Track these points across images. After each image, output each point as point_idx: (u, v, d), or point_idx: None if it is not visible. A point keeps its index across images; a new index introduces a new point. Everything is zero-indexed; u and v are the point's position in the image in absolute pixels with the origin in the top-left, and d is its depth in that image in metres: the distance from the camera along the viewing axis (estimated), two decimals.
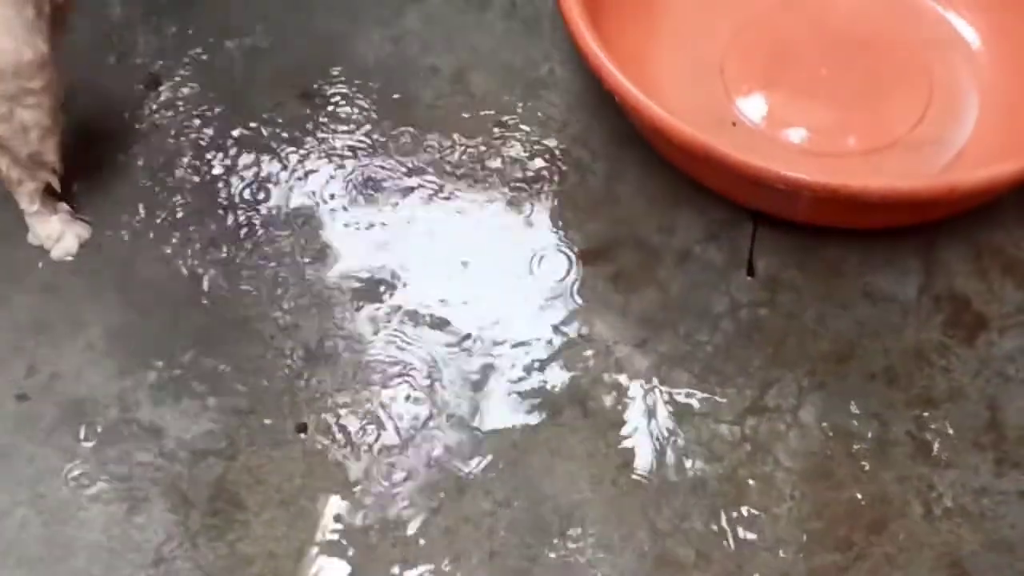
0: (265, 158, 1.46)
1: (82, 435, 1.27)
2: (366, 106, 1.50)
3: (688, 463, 1.24)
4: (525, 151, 1.46)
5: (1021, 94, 1.44)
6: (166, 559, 1.20)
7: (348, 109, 1.49)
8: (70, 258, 1.38)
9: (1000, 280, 1.35)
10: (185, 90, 1.51)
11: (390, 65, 1.53)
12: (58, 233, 1.38)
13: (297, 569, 1.19)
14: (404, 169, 1.45)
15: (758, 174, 1.22)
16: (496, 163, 1.45)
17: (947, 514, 1.21)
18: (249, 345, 1.32)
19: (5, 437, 1.27)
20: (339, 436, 1.26)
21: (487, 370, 1.30)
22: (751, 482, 1.23)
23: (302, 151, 1.46)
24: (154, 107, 1.50)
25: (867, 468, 1.23)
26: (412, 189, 1.43)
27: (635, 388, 1.29)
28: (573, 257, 1.38)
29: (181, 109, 1.50)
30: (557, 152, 1.46)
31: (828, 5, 1.56)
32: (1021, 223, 1.39)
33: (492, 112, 1.49)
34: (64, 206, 1.39)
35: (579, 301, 1.35)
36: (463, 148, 1.46)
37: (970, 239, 1.38)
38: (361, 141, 1.46)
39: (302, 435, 1.26)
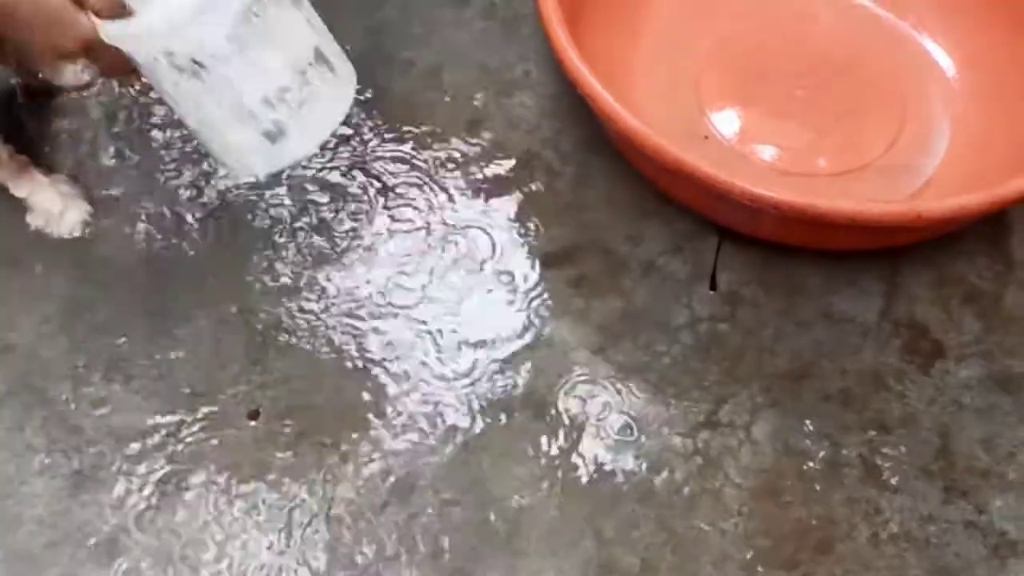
0: None
1: (32, 409, 1.26)
2: None
3: (638, 473, 1.24)
4: (495, 151, 1.45)
5: (991, 124, 1.45)
6: (109, 539, 1.19)
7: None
8: (77, 234, 1.36)
9: (960, 309, 1.36)
10: None
11: (365, 56, 1.53)
12: (60, 208, 1.36)
13: (241, 556, 1.18)
14: (372, 163, 1.44)
15: (724, 189, 1.22)
16: (465, 161, 1.45)
17: (893, 539, 1.21)
18: (205, 328, 1.31)
19: None
20: (291, 425, 1.26)
21: (444, 368, 1.30)
22: (700, 495, 1.23)
23: None
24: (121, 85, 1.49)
25: (817, 488, 1.23)
26: (380, 184, 1.42)
27: (590, 395, 1.29)
28: (537, 261, 1.38)
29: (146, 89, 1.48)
30: (527, 154, 1.45)
31: (807, 26, 1.57)
32: (984, 254, 1.40)
33: (464, 110, 1.49)
34: (62, 178, 1.38)
35: (541, 305, 1.35)
36: (433, 144, 1.46)
37: (933, 267, 1.39)
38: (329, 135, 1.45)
39: (253, 422, 1.26)
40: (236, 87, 1.10)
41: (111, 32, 1.08)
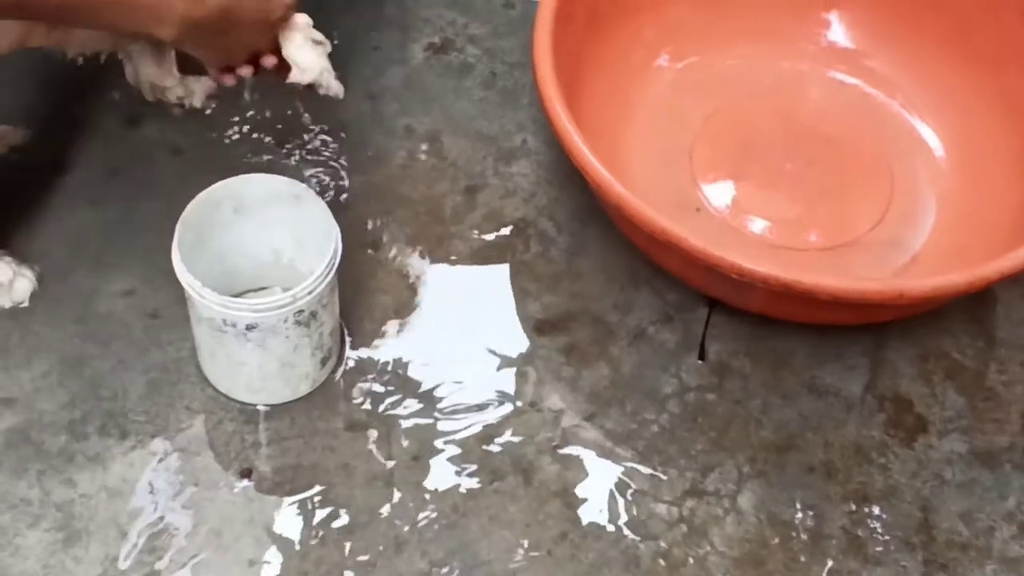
0: None
1: (28, 462, 1.27)
2: (337, 159, 1.52)
3: (624, 539, 1.25)
4: (491, 218, 1.48)
5: (977, 202, 1.48)
6: None
7: (319, 161, 1.51)
8: (24, 305, 1.38)
9: (943, 384, 1.38)
10: (160, 130, 1.52)
11: (366, 121, 1.56)
12: (8, 279, 1.36)
13: None
14: (370, 226, 1.46)
15: (713, 262, 1.24)
16: (461, 228, 1.47)
17: None
18: (202, 387, 1.33)
19: None
20: (283, 484, 1.27)
21: (435, 431, 1.32)
22: (685, 563, 1.25)
23: None
24: (131, 144, 1.52)
25: (799, 559, 1.25)
26: (377, 246, 1.45)
27: (578, 461, 1.30)
28: (529, 327, 1.40)
29: (154, 147, 1.51)
30: (522, 222, 1.48)
31: (798, 101, 1.60)
32: (967, 330, 1.42)
33: (462, 177, 1.51)
34: (2, 252, 1.38)
35: (531, 371, 1.37)
36: (431, 211, 1.48)
37: (917, 342, 1.41)
38: (328, 195, 1.48)
39: (246, 480, 1.27)
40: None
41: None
